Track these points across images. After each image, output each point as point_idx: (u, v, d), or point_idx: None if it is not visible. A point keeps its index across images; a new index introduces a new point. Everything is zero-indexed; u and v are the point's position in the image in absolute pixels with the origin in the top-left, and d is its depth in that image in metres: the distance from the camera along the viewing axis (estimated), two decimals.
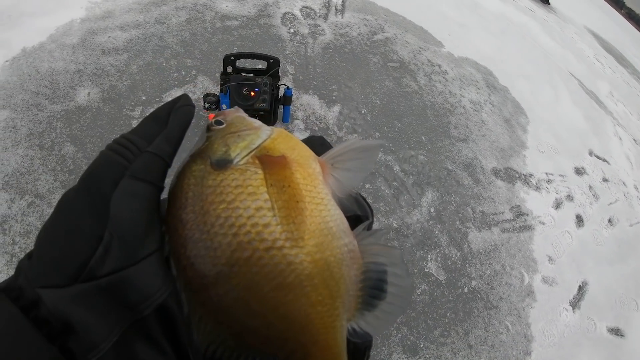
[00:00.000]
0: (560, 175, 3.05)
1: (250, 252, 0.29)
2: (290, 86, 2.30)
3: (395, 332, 1.99)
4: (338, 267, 0.32)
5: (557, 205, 2.86)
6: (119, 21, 2.65)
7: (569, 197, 2.96)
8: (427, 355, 2.00)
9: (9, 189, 1.86)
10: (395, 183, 2.31)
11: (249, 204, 0.30)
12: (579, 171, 3.23)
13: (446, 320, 2.08)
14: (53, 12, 2.57)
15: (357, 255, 0.33)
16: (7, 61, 2.26)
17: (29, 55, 2.33)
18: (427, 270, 2.15)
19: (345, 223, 0.33)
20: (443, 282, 2.15)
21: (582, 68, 4.62)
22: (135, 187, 0.28)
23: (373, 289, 0.33)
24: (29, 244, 1.80)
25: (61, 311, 0.25)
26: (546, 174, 2.96)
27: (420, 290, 2.10)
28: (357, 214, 0.37)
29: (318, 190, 0.32)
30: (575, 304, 2.44)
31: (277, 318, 0.30)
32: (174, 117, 0.31)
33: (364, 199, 0.40)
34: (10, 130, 2.03)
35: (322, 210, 0.32)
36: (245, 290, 0.29)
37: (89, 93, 2.26)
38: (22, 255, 1.79)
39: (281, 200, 0.31)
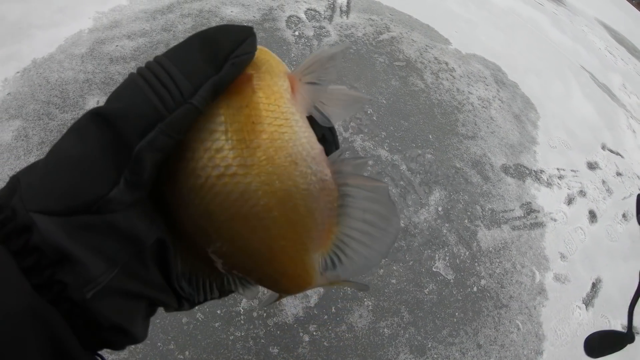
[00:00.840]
0: (572, 170, 2.94)
1: (204, 179, 0.26)
2: None
3: (402, 332, 1.94)
4: (303, 200, 0.28)
5: (569, 201, 2.75)
6: (126, 30, 2.65)
7: (582, 193, 2.86)
8: (435, 355, 1.94)
9: None
10: (402, 182, 2.25)
11: (201, 126, 0.27)
12: (592, 166, 3.11)
13: (455, 319, 2.02)
14: (61, 23, 2.58)
15: (329, 187, 0.29)
16: (18, 72, 2.27)
17: (39, 66, 2.34)
18: (435, 270, 2.09)
19: (315, 148, 0.29)
20: (451, 281, 2.08)
21: (593, 61, 4.46)
22: (165, 143, 0.25)
23: (350, 228, 0.30)
24: None
25: (57, 241, 0.22)
26: (557, 169, 2.86)
27: (427, 289, 2.04)
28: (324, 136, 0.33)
29: (282, 110, 0.28)
30: (588, 301, 2.35)
31: (238, 249, 0.28)
32: (232, 66, 0.27)
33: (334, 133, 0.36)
34: (23, 139, 2.04)
35: (285, 132, 0.28)
36: (202, 219, 0.27)
37: (98, 101, 2.27)
38: None
39: (237, 122, 0.27)
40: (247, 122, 0.27)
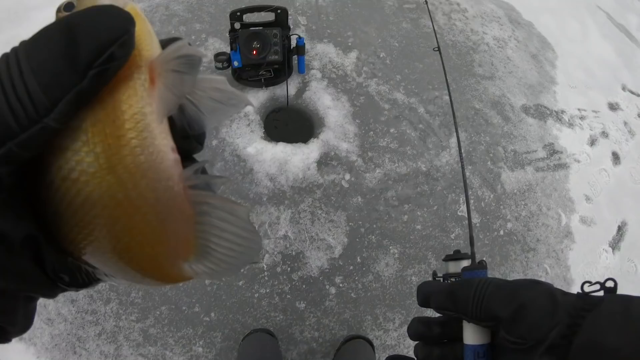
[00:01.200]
0: (593, 111, 2.80)
1: (50, 179, 0.24)
2: (302, 36, 2.12)
3: (430, 279, 1.87)
4: (152, 213, 0.26)
5: (592, 142, 2.62)
6: None
7: (604, 134, 2.72)
8: None
9: None
10: (421, 125, 2.13)
11: None
12: (613, 107, 2.96)
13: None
14: (57, 0, 2.45)
15: (182, 203, 0.27)
16: None
17: None
18: (460, 214, 1.99)
19: (167, 160, 0.26)
20: (477, 225, 1.99)
21: (609, 1, 4.23)
22: (19, 157, 0.22)
23: (208, 246, 0.28)
24: None
25: None
26: (579, 110, 2.71)
27: (454, 234, 1.95)
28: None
29: (133, 111, 0.24)
30: (614, 245, 2.25)
31: (92, 254, 0.26)
32: (96, 76, 0.22)
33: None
34: None
35: (133, 138, 0.24)
36: (55, 218, 0.25)
37: None
38: None
39: (85, 122, 0.24)
40: (94, 123, 0.24)
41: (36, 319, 1.59)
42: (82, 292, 1.76)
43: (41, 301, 1.74)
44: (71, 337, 1.71)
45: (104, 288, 1.74)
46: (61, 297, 1.74)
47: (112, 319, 1.73)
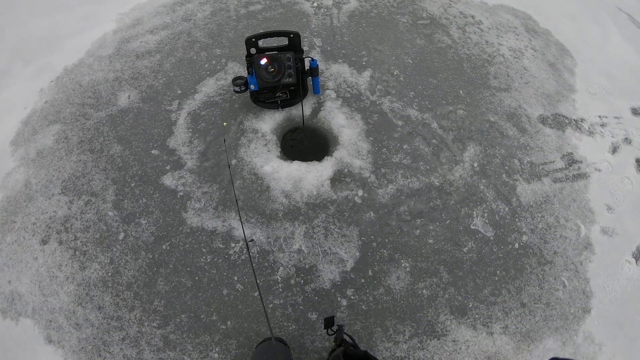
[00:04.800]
0: (615, 117, 2.53)
1: None
2: (316, 58, 2.04)
3: (442, 292, 1.73)
4: None
5: (614, 149, 2.37)
6: (148, 26, 2.55)
7: (627, 140, 2.45)
8: (477, 316, 1.72)
9: (67, 192, 1.84)
10: (434, 140, 1.99)
11: None
12: (637, 111, 2.67)
13: (496, 278, 1.78)
14: (87, 30, 2.56)
15: None
16: (52, 81, 2.26)
17: (71, 72, 2.30)
18: (473, 227, 1.84)
19: None
20: (491, 238, 1.83)
21: (630, 1, 3.85)
22: None
23: None
24: (89, 237, 1.76)
25: None
26: (599, 117, 2.46)
27: (467, 248, 1.80)
28: None
29: None
30: (638, 255, 2.01)
31: None
32: None
33: None
34: (63, 141, 2.00)
35: None
36: None
37: (129, 96, 2.18)
38: (84, 249, 1.76)
39: None
40: None
41: (65, 323, 1.57)
42: (108, 300, 1.75)
43: (69, 307, 1.75)
44: (97, 341, 1.71)
45: (129, 296, 1.73)
46: (89, 303, 1.76)
47: (136, 325, 1.72)
